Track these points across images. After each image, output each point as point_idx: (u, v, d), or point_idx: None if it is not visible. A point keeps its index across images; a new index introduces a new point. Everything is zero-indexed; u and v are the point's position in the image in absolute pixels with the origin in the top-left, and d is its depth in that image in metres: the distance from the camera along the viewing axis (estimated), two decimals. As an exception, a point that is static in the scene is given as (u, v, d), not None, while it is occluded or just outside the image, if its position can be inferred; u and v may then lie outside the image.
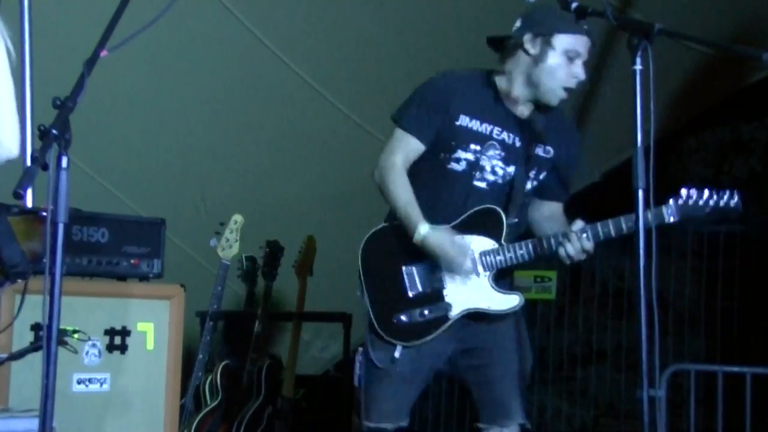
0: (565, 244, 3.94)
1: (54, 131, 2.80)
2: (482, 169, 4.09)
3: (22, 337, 4.30)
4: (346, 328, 6.50)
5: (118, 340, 4.69)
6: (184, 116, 6.54)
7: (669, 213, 3.89)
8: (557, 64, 4.00)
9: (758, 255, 7.96)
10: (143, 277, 4.88)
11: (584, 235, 3.95)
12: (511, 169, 4.11)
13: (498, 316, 4.07)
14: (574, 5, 3.53)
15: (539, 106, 4.12)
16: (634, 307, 3.19)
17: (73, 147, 2.85)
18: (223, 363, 6.35)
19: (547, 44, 4.00)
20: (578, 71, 4.01)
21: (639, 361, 3.16)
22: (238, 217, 6.47)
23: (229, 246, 6.43)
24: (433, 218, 4.02)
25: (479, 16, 6.31)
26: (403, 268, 4.07)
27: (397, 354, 4.03)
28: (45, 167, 2.76)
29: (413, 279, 4.07)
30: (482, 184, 4.10)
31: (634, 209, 3.25)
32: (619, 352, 8.55)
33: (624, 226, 3.91)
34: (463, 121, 4.08)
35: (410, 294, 4.06)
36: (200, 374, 6.36)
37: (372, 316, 4.07)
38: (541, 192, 4.27)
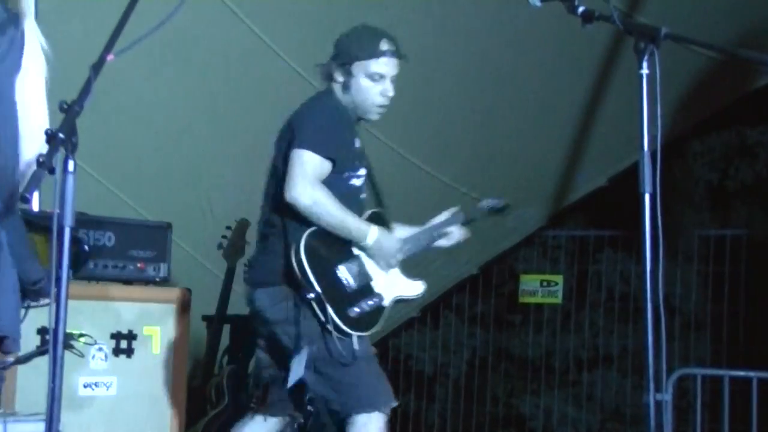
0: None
1: (61, 135, 2.80)
2: (362, 180, 4.54)
3: (29, 341, 4.29)
4: (352, 332, 6.48)
5: (124, 343, 4.70)
6: (191, 120, 6.54)
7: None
8: (364, 88, 4.40)
9: (764, 259, 7.95)
10: (149, 281, 4.89)
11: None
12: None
13: (415, 301, 4.74)
14: (580, 9, 3.53)
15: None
16: (640, 311, 3.19)
17: (79, 151, 2.85)
18: (230, 367, 6.35)
19: (348, 73, 4.40)
20: (386, 90, 4.42)
21: (645, 366, 3.16)
22: (244, 221, 6.46)
23: (236, 250, 6.43)
24: None
25: (486, 20, 6.32)
26: (338, 267, 4.32)
27: (356, 345, 4.25)
28: (52, 171, 2.76)
29: (346, 276, 4.32)
30: (363, 195, 4.54)
31: (640, 213, 3.24)
32: (625, 357, 8.54)
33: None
34: (358, 143, 4.53)
35: (348, 290, 4.31)
36: (206, 378, 6.36)
37: (331, 311, 4.20)
38: None
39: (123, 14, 3.06)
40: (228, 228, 6.48)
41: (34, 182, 2.76)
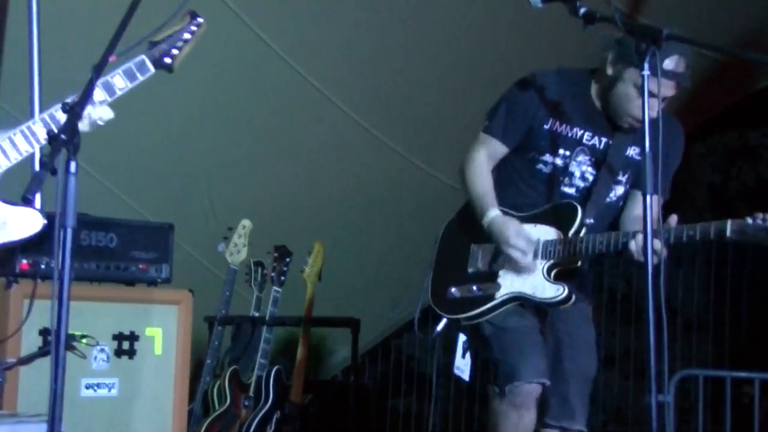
0: (629, 242, 3.92)
1: (63, 136, 2.81)
2: (571, 174, 4.14)
3: (31, 342, 4.30)
4: (354, 333, 6.49)
5: (126, 345, 4.70)
6: (193, 121, 6.54)
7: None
8: (625, 95, 4.00)
9: (766, 260, 7.94)
10: (151, 282, 4.88)
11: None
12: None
13: (546, 304, 4.12)
14: (582, 11, 3.53)
15: None
16: (642, 312, 3.19)
17: (81, 152, 2.85)
18: (232, 368, 6.35)
19: (619, 73, 4.00)
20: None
21: (647, 367, 3.16)
22: (246, 222, 6.47)
23: (238, 251, 6.44)
24: (519, 211, 4.14)
25: (492, 20, 6.31)
26: (472, 245, 4.22)
27: (439, 327, 4.30)
28: (54, 172, 2.76)
29: (476, 257, 4.21)
30: (571, 190, 4.15)
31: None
32: (628, 358, 8.53)
33: (697, 233, 4.08)
34: (553, 125, 4.11)
35: (469, 270, 4.21)
36: (208, 379, 6.36)
37: (429, 289, 4.29)
38: (638, 183, 4.21)
39: (125, 15, 3.06)
40: (230, 229, 6.48)
41: (36, 183, 2.77)
